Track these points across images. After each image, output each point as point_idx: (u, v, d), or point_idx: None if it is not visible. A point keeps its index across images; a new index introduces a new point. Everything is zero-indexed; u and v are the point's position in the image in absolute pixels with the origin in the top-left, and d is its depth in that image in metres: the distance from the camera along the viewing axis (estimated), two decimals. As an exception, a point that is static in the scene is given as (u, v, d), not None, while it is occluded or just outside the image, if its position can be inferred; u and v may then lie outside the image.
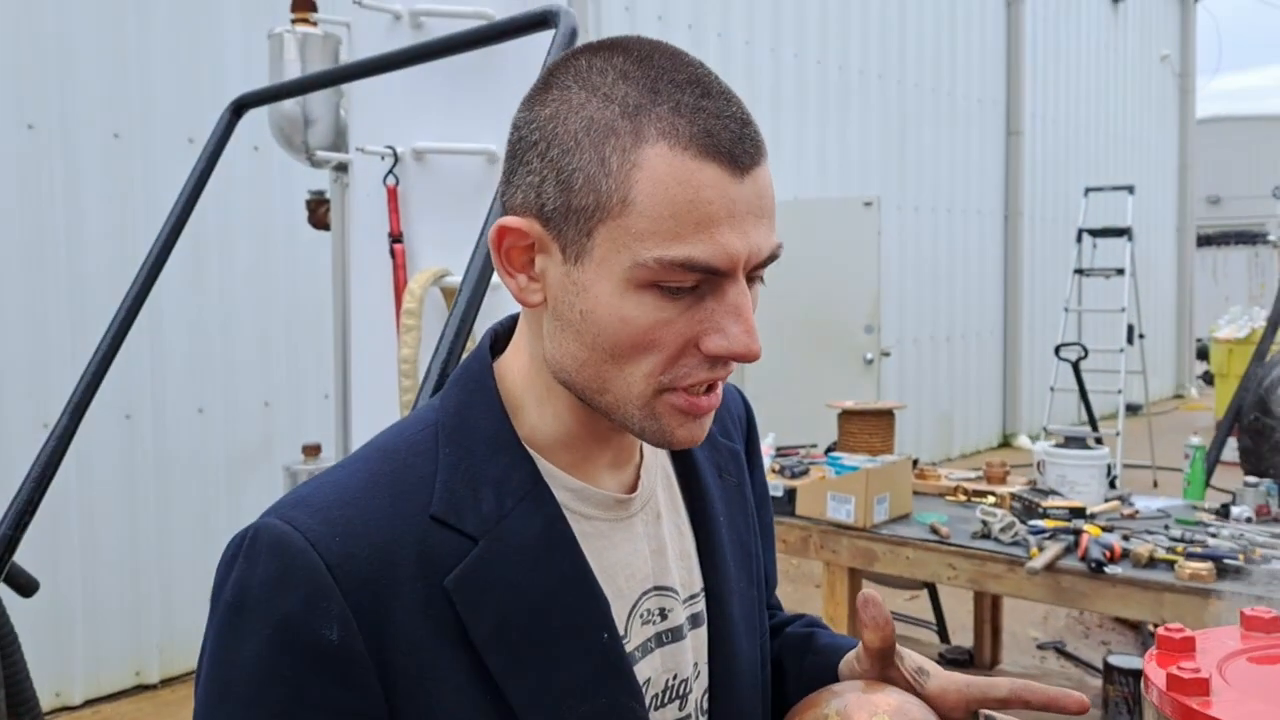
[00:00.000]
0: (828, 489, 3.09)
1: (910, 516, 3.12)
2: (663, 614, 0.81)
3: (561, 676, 0.71)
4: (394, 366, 2.15)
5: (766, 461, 3.45)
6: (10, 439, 3.80)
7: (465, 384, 0.78)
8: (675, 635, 0.82)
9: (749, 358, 0.69)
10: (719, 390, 0.73)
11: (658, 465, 0.85)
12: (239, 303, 4.51)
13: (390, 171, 2.16)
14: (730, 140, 0.67)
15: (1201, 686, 0.83)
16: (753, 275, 0.71)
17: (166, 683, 4.29)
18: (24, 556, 2.02)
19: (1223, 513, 3.00)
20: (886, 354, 6.53)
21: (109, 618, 4.13)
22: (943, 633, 4.31)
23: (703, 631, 0.84)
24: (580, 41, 1.65)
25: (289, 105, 2.36)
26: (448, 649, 0.69)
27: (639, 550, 0.80)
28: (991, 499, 3.21)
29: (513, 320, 0.82)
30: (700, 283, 0.68)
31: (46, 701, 3.92)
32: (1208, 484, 3.49)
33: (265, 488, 4.47)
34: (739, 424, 0.96)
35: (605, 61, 0.70)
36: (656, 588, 0.81)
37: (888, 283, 7.20)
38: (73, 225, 4.01)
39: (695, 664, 0.83)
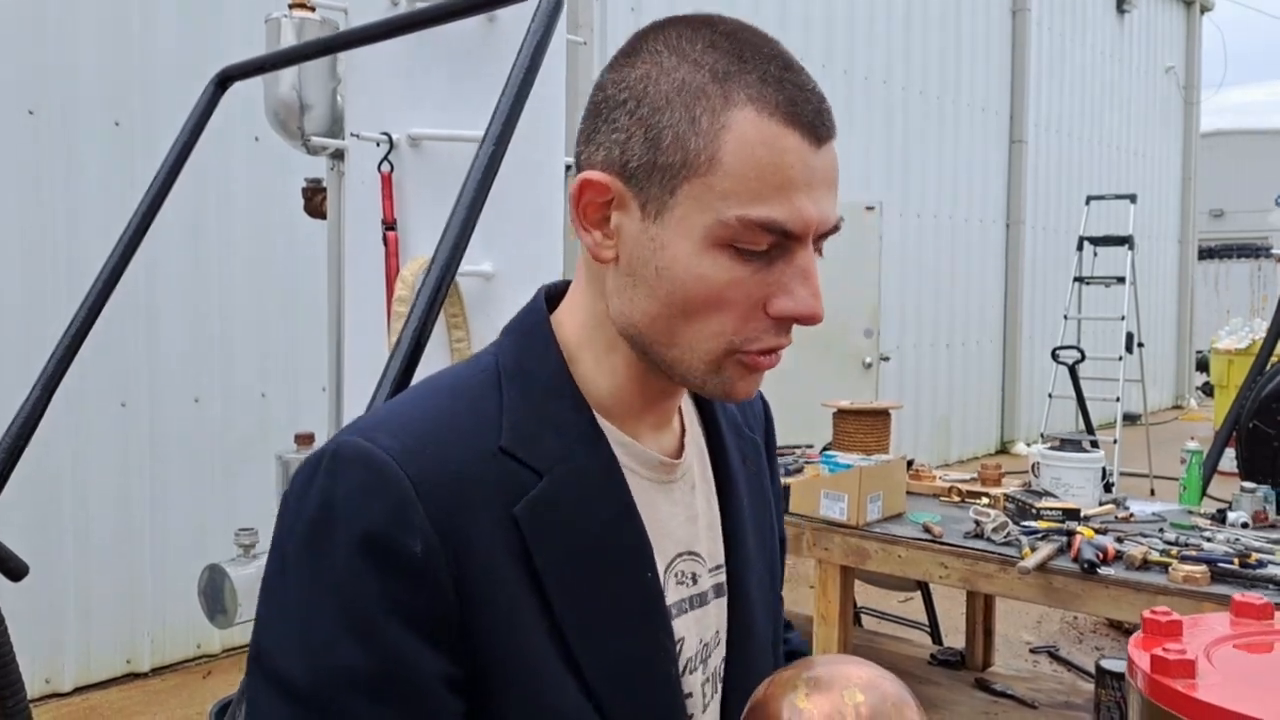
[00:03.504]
0: (821, 487, 3.08)
1: (904, 516, 3.11)
2: (693, 578, 0.85)
3: (609, 608, 0.76)
4: (386, 355, 2.14)
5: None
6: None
7: (524, 331, 0.81)
8: (701, 600, 0.85)
9: (813, 319, 0.73)
10: (777, 355, 0.77)
11: (694, 439, 0.89)
12: (237, 292, 4.50)
13: (385, 158, 2.15)
14: (811, 112, 0.71)
15: (1187, 669, 0.81)
16: (817, 245, 0.74)
17: (157, 671, 4.28)
18: (15, 541, 2.01)
19: (1219, 518, 2.99)
20: (886, 358, 6.52)
21: (101, 605, 4.12)
22: (935, 635, 4.30)
23: (724, 602, 0.88)
24: (564, 14, 1.65)
25: (285, 90, 2.35)
26: (512, 573, 0.72)
27: (675, 514, 0.84)
28: (985, 500, 3.20)
29: (564, 283, 0.85)
30: (772, 246, 0.71)
31: (36, 688, 3.91)
32: (1205, 491, 3.47)
33: (260, 478, 4.44)
34: (759, 420, 1.01)
35: (694, 31, 0.73)
36: (689, 552, 0.85)
37: (888, 288, 7.19)
38: (72, 212, 4.00)
39: (716, 631, 0.87)
